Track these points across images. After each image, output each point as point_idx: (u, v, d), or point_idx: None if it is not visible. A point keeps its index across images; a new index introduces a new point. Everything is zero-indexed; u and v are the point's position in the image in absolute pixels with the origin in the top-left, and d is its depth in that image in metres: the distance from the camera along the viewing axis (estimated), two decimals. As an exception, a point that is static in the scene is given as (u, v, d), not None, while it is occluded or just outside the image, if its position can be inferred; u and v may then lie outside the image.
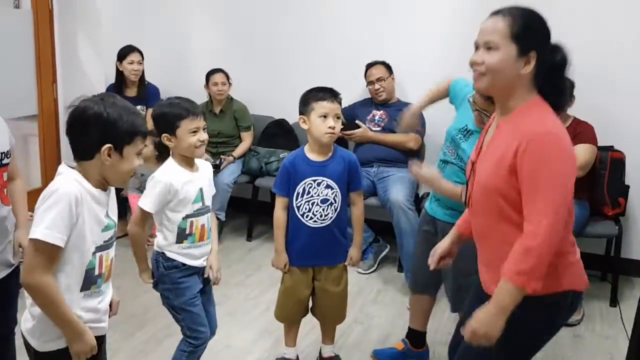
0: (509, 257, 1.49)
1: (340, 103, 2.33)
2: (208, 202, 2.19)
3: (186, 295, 2.15)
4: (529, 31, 1.53)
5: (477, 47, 1.59)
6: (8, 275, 1.99)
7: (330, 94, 2.31)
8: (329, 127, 2.27)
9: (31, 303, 1.56)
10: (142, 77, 4.22)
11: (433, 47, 3.89)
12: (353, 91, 4.01)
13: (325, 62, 4.17)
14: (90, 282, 1.57)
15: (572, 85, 3.20)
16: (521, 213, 1.51)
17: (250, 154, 4.18)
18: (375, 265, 3.70)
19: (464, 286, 2.20)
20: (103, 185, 1.57)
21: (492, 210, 1.58)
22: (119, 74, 4.19)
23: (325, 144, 2.33)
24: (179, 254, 2.13)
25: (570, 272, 1.60)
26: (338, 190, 2.35)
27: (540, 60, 1.54)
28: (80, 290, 1.55)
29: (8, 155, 1.98)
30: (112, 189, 1.65)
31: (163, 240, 2.13)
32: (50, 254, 1.46)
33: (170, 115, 2.08)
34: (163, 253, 2.13)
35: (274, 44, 4.39)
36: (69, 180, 1.50)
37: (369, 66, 3.89)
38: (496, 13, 1.57)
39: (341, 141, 3.96)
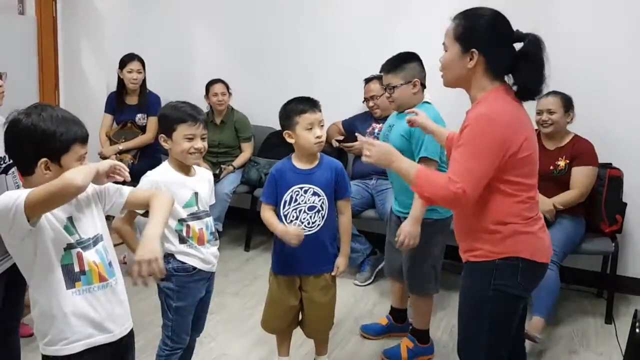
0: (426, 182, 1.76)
1: (320, 110, 2.36)
2: (204, 207, 2.18)
3: (187, 301, 2.16)
4: (470, 32, 1.76)
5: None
6: (15, 265, 2.02)
7: (310, 104, 2.34)
8: (317, 137, 2.31)
9: (34, 300, 1.58)
10: (143, 86, 4.20)
11: (435, 57, 3.91)
12: (354, 103, 4.04)
13: (327, 74, 4.20)
14: (72, 278, 1.56)
15: (570, 101, 3.26)
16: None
17: (250, 164, 4.20)
18: (372, 278, 3.70)
19: (418, 271, 2.66)
20: None
21: None
22: (120, 82, 4.19)
23: (314, 153, 2.37)
24: (189, 255, 2.13)
25: (516, 240, 1.77)
26: (325, 198, 2.36)
27: (490, 55, 1.75)
28: (67, 288, 1.56)
29: None
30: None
31: (171, 246, 2.12)
32: None
33: (170, 118, 2.11)
34: (173, 255, 2.13)
35: (275, 55, 4.42)
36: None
37: (367, 81, 3.92)
38: (452, 18, 1.82)
39: (341, 153, 3.99)
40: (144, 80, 4.18)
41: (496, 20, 1.78)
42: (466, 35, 1.76)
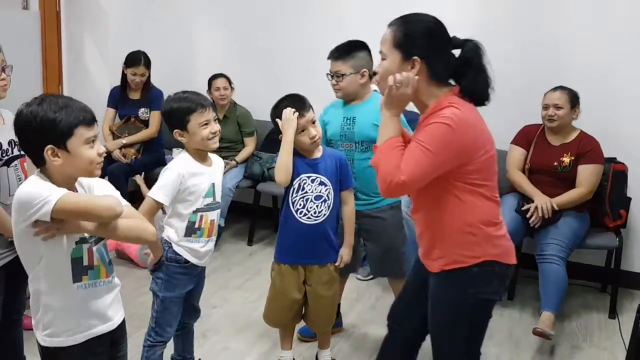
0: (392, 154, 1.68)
1: (309, 109, 2.35)
2: (219, 197, 2.20)
3: (174, 292, 2.17)
4: (410, 38, 1.70)
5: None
6: (16, 258, 2.03)
7: (299, 106, 2.31)
8: (312, 138, 2.32)
9: (34, 292, 1.58)
10: (147, 82, 4.21)
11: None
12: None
13: (327, 66, 4.17)
14: (80, 272, 1.58)
15: (576, 97, 3.24)
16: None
17: (253, 159, 4.19)
18: (375, 272, 3.70)
19: (385, 259, 2.70)
20: (70, 184, 1.56)
21: (418, 194, 1.80)
22: (124, 77, 4.20)
23: (313, 151, 2.39)
24: (186, 248, 2.15)
25: (491, 243, 1.74)
26: (331, 187, 2.37)
27: (431, 61, 1.69)
28: (74, 282, 1.57)
29: None
30: (93, 184, 1.66)
31: (174, 235, 2.14)
32: None
33: (180, 111, 2.09)
34: (171, 244, 2.15)
35: (278, 50, 4.41)
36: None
37: (373, 74, 3.90)
38: (389, 25, 1.76)
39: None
40: (149, 77, 4.19)
41: (435, 26, 1.73)
42: (406, 42, 1.70)
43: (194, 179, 2.09)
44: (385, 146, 1.69)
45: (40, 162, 1.54)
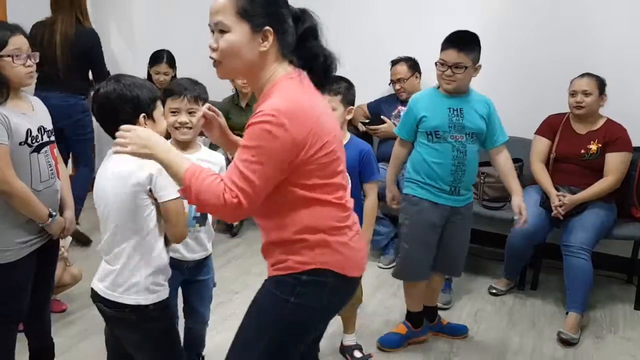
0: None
1: (336, 93, 2.30)
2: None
3: None
4: (255, 5, 1.41)
5: (212, 32, 1.48)
6: (50, 244, 2.11)
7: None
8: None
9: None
10: (172, 80, 4.18)
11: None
12: (379, 86, 4.01)
13: (352, 57, 4.09)
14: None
15: (604, 83, 3.18)
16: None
17: (275, 146, 4.19)
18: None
19: (460, 255, 2.69)
20: None
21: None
22: (150, 77, 4.16)
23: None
24: None
25: (326, 250, 1.49)
26: (349, 178, 2.34)
27: (282, 33, 1.44)
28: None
29: (54, 134, 2.11)
30: None
31: None
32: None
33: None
34: None
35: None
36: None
37: (394, 63, 3.88)
38: None
39: (366, 136, 3.97)
40: (174, 75, 4.15)
41: None
42: (252, 9, 1.41)
43: None
44: (193, 174, 1.39)
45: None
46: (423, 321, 2.79)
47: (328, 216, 1.49)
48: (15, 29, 1.97)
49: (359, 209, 2.40)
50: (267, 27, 1.42)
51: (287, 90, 1.43)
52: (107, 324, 1.83)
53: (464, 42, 2.42)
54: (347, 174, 1.63)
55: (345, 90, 2.35)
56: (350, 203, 1.58)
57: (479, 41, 2.47)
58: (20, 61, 1.94)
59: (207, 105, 1.74)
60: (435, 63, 2.49)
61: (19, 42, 1.94)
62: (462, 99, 2.51)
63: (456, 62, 2.40)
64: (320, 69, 1.51)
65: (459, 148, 2.49)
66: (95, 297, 1.74)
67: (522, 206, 2.53)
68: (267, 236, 1.58)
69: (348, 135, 2.40)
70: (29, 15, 3.21)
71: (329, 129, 1.46)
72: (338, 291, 1.54)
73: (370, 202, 2.42)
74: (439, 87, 2.56)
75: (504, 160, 2.61)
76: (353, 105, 2.42)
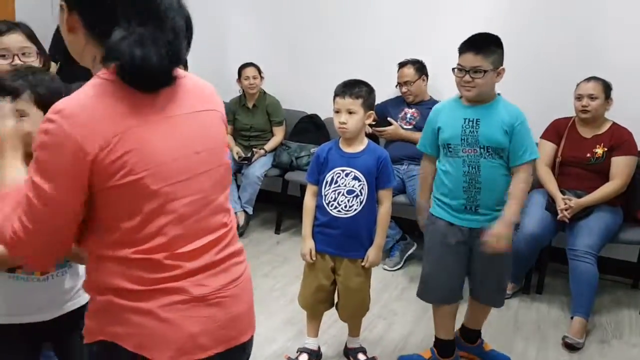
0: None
1: (357, 97, 2.31)
2: None
3: None
4: None
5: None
6: None
7: (344, 88, 2.32)
8: (340, 122, 2.32)
9: None
10: None
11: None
12: (386, 88, 4.01)
13: (359, 59, 4.17)
14: None
15: (609, 87, 3.17)
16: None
17: (282, 148, 4.22)
18: (402, 263, 3.70)
19: (490, 285, 2.49)
20: None
21: None
22: None
23: (346, 138, 2.37)
24: None
25: (114, 319, 1.13)
26: (365, 184, 2.35)
27: (84, 9, 1.13)
28: None
29: None
30: None
31: None
32: None
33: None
34: None
35: (307, 39, 4.41)
36: None
37: (401, 65, 3.88)
38: None
39: (372, 138, 3.97)
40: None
41: None
42: None
43: None
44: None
45: None
46: (454, 352, 2.57)
47: (122, 275, 1.12)
48: (10, 29, 1.93)
49: (372, 215, 2.42)
50: (74, 7, 1.18)
51: (79, 94, 1.11)
52: None
53: (480, 44, 2.23)
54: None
55: (367, 94, 2.35)
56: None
57: (499, 43, 2.27)
58: (6, 60, 1.90)
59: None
60: (453, 69, 2.30)
61: (7, 42, 1.92)
62: (483, 108, 2.29)
63: (474, 66, 2.21)
64: (122, 68, 1.10)
65: (470, 163, 2.28)
66: None
67: (497, 234, 2.23)
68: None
69: (365, 140, 2.41)
70: (37, 11, 3.21)
71: (136, 150, 1.09)
72: None
73: (385, 209, 2.42)
74: (461, 97, 2.38)
75: (516, 183, 2.29)
76: (372, 109, 2.40)
